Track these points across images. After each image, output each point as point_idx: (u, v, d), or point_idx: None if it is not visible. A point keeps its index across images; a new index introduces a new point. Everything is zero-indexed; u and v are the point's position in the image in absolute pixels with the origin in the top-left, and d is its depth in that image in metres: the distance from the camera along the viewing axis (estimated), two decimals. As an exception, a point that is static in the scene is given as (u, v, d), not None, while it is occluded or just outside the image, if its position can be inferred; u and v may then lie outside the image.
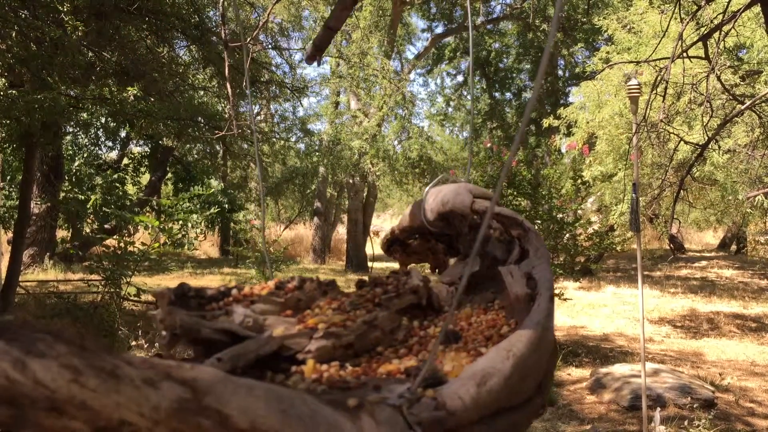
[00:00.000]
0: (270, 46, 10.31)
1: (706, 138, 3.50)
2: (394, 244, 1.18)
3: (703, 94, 3.73)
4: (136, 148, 16.00)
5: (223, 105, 9.21)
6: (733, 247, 17.49)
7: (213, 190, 12.50)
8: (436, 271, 1.20)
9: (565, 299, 6.59)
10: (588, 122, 8.60)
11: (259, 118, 15.96)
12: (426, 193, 1.09)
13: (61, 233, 13.09)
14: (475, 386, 0.62)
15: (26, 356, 0.44)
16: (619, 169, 7.94)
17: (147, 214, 11.35)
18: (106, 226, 11.05)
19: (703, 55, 3.26)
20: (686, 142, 4.29)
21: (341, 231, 18.69)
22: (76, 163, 13.51)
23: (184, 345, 0.79)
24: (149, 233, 6.28)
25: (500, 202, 1.07)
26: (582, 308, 8.98)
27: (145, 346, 5.30)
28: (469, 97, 19.41)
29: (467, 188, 1.04)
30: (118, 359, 0.48)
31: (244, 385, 0.52)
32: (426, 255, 1.18)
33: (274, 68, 11.19)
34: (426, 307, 0.95)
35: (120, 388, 0.47)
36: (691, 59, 4.11)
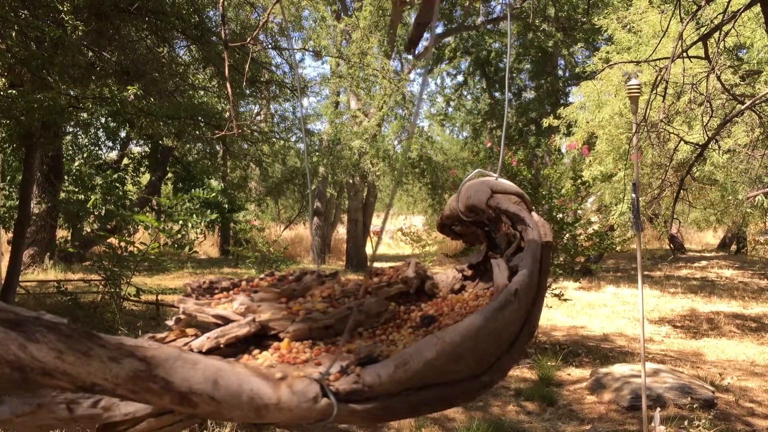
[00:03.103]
0: (270, 46, 10.29)
1: (706, 138, 3.50)
2: (444, 228, 1.34)
3: (703, 94, 3.73)
4: (136, 148, 15.99)
5: (223, 105, 9.21)
6: (733, 247, 17.49)
7: (214, 193, 12.49)
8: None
9: (565, 299, 6.59)
10: (588, 122, 8.59)
11: (259, 118, 15.97)
12: (461, 186, 1.20)
13: (61, 233, 13.09)
14: (394, 367, 0.78)
15: (27, 342, 0.68)
16: (619, 169, 7.93)
17: (147, 214, 11.34)
18: (106, 226, 11.05)
19: (703, 55, 3.26)
20: (686, 142, 4.29)
21: (341, 231, 18.69)
22: (76, 163, 13.51)
23: (186, 326, 1.01)
24: (149, 233, 6.28)
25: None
26: (582, 308, 8.98)
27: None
28: (469, 97, 19.41)
29: (489, 185, 1.14)
30: (94, 342, 0.71)
31: (191, 360, 0.74)
32: (471, 237, 1.33)
33: (274, 68, 11.19)
34: (419, 294, 1.11)
35: (90, 363, 0.71)
36: (691, 59, 4.11)
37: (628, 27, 8.55)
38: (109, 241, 6.33)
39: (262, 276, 1.15)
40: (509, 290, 0.90)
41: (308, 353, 0.91)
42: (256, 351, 0.93)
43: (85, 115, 6.84)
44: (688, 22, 3.18)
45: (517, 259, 1.00)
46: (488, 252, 1.14)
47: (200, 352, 0.92)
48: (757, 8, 3.79)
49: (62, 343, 0.70)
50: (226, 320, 0.98)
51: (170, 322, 1.00)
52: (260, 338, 0.97)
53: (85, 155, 14.02)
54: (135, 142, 15.02)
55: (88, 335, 0.72)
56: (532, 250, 0.99)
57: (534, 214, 1.08)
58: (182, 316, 1.00)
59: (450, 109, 19.60)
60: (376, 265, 1.20)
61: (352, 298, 1.06)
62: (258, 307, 1.01)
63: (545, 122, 9.76)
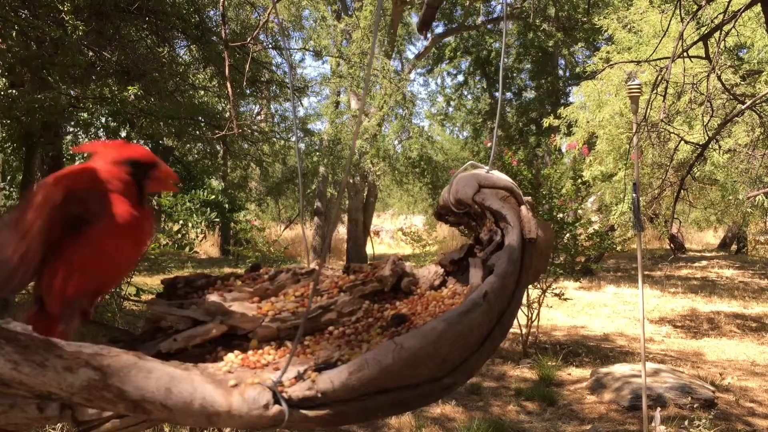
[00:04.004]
0: (270, 46, 10.29)
1: (707, 138, 3.50)
2: (440, 217, 1.33)
3: (703, 94, 3.73)
4: (136, 148, 15.96)
5: (223, 105, 9.20)
6: (734, 247, 17.48)
7: (215, 195, 12.49)
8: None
9: (565, 299, 6.59)
10: (588, 122, 8.59)
11: (259, 118, 15.97)
12: (453, 178, 1.18)
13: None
14: (348, 373, 0.79)
15: None
16: (620, 169, 7.93)
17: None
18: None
19: (704, 55, 3.26)
20: (687, 142, 4.29)
21: (341, 231, 18.69)
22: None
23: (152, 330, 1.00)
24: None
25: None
26: (582, 308, 8.97)
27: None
28: (469, 97, 19.40)
29: (477, 179, 1.12)
30: (51, 352, 0.75)
31: (146, 369, 0.77)
32: (467, 226, 1.32)
33: (274, 68, 11.19)
34: (397, 291, 1.10)
35: (46, 373, 0.74)
36: (692, 59, 4.10)
37: (629, 27, 8.54)
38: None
39: (241, 273, 1.14)
40: (478, 293, 0.89)
41: (272, 355, 0.92)
42: (222, 352, 0.94)
43: (85, 115, 6.83)
44: (688, 22, 3.18)
45: (495, 258, 0.98)
46: (474, 247, 1.12)
47: (168, 353, 0.93)
48: (758, 8, 3.79)
49: (18, 354, 0.73)
50: (196, 321, 0.98)
51: (141, 325, 1.01)
52: (231, 337, 0.98)
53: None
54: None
55: (46, 345, 0.75)
56: (509, 250, 0.98)
57: (523, 208, 1.05)
58: (151, 318, 1.01)
59: (450, 109, 19.59)
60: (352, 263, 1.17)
61: (325, 297, 1.05)
62: (229, 307, 1.01)
63: (545, 122, 9.75)
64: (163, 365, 0.80)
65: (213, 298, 1.03)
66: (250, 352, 0.93)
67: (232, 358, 0.91)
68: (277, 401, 0.77)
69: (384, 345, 0.81)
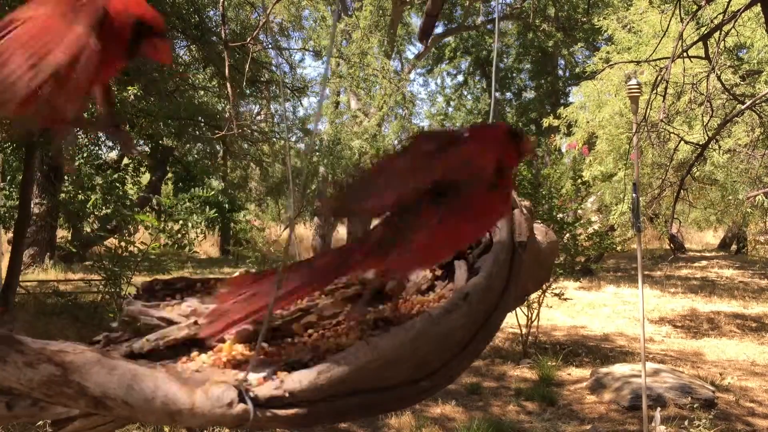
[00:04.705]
0: (270, 46, 10.29)
1: (707, 138, 3.50)
2: None
3: (703, 94, 3.73)
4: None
5: (223, 105, 9.21)
6: (734, 247, 17.48)
7: (213, 192, 12.49)
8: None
9: (565, 299, 6.58)
10: (588, 122, 8.59)
11: (259, 118, 15.96)
12: None
13: (61, 233, 13.08)
14: (316, 373, 0.77)
15: None
16: (619, 169, 7.93)
17: (147, 213, 11.34)
18: (107, 226, 11.05)
19: (704, 55, 3.25)
20: (686, 142, 4.29)
21: (341, 231, 18.68)
22: (76, 163, 13.49)
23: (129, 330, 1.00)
24: (149, 233, 6.28)
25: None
26: (582, 308, 8.97)
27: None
28: (469, 97, 19.40)
29: None
30: (13, 348, 0.76)
31: (109, 365, 0.77)
32: None
33: (274, 68, 11.19)
34: (382, 295, 1.07)
35: (6, 368, 0.75)
36: (692, 59, 4.10)
37: (628, 27, 8.54)
38: (108, 241, 6.33)
39: (222, 278, 1.13)
40: (459, 294, 0.87)
41: (245, 356, 0.91)
42: (195, 353, 0.93)
43: (85, 115, 6.83)
44: (688, 22, 3.18)
45: (481, 260, 0.97)
46: (464, 251, 1.10)
47: (140, 353, 0.93)
48: (757, 8, 3.79)
49: None
50: (170, 322, 0.98)
51: (114, 324, 1.01)
52: (206, 340, 0.97)
53: (85, 155, 14.01)
54: (135, 142, 15.00)
55: (8, 340, 0.76)
56: (495, 251, 0.96)
57: (516, 212, 1.03)
58: (126, 319, 1.01)
59: (450, 109, 19.59)
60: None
61: (307, 299, 1.04)
62: (206, 309, 1.00)
63: (545, 122, 9.75)
64: (127, 363, 0.80)
65: (192, 300, 1.03)
66: (223, 353, 0.93)
67: (204, 358, 0.91)
68: (242, 400, 0.76)
69: (356, 346, 0.80)
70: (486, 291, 0.90)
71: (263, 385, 0.78)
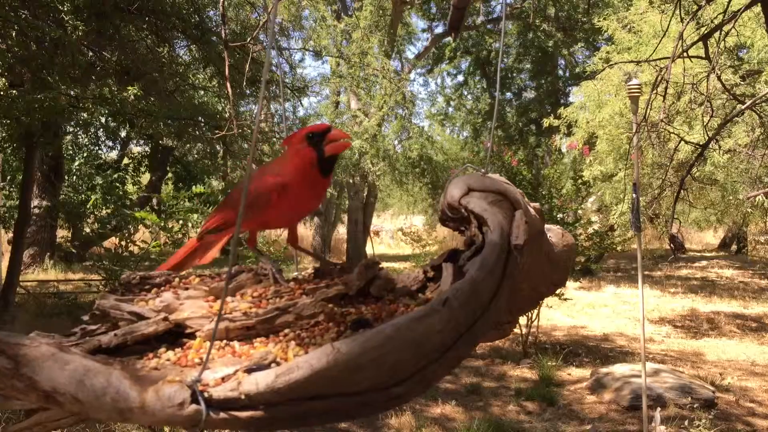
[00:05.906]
0: (269, 46, 10.26)
1: (707, 138, 3.50)
2: (444, 222, 1.31)
3: (703, 94, 3.73)
4: (136, 148, 15.98)
5: (223, 105, 9.20)
6: (734, 247, 17.48)
7: (211, 190, 12.50)
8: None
9: (565, 299, 6.59)
10: (588, 122, 8.59)
11: (259, 118, 15.93)
12: (448, 182, 1.14)
13: (61, 233, 13.08)
14: (275, 375, 0.75)
15: None
16: (620, 169, 7.93)
17: (147, 212, 11.34)
18: (107, 226, 11.05)
19: (704, 55, 3.25)
20: (687, 142, 4.29)
21: (341, 231, 18.68)
22: (76, 163, 13.50)
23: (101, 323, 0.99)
24: (150, 232, 6.28)
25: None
26: (582, 308, 8.97)
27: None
28: (469, 97, 19.39)
29: (468, 181, 1.06)
30: None
31: (62, 360, 0.77)
32: (461, 232, 1.29)
33: (274, 68, 11.17)
34: (365, 296, 1.06)
35: None
36: (692, 59, 4.10)
37: (628, 27, 8.54)
38: (108, 241, 6.33)
39: (202, 273, 1.12)
40: (438, 299, 0.84)
41: (211, 355, 0.89)
42: (162, 349, 0.92)
43: (85, 115, 6.83)
44: (688, 22, 3.18)
45: (470, 263, 0.93)
46: (460, 253, 1.06)
47: (108, 348, 0.91)
48: (758, 8, 3.79)
49: None
50: (141, 317, 0.96)
51: (86, 317, 0.99)
52: (179, 336, 0.96)
53: (85, 155, 14.01)
54: (135, 142, 15.01)
55: None
56: (483, 256, 0.92)
57: (518, 213, 0.99)
58: (97, 313, 0.99)
59: (450, 109, 19.58)
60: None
61: (285, 299, 1.01)
62: (180, 305, 0.99)
63: (545, 122, 9.75)
64: (82, 358, 0.79)
65: (166, 295, 1.02)
66: (190, 351, 0.91)
67: (170, 355, 0.90)
68: (195, 400, 0.74)
69: (320, 348, 0.77)
70: (470, 296, 0.86)
71: (220, 385, 0.77)
